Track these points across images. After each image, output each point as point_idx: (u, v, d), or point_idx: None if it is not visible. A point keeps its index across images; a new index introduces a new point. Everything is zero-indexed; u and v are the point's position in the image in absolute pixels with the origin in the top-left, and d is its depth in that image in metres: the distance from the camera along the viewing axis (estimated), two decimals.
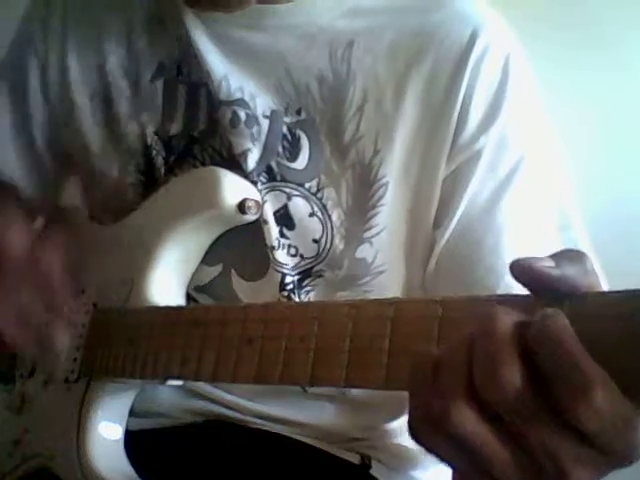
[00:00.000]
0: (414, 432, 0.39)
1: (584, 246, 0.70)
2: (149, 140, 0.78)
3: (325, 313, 0.49)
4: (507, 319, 0.37)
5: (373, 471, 0.78)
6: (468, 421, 0.37)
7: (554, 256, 0.40)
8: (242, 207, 0.69)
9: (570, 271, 0.38)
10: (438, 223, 0.72)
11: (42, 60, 0.85)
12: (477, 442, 0.37)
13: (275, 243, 0.72)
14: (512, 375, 0.35)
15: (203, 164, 0.76)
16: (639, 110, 1.11)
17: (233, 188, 0.70)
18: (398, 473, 0.79)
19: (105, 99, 0.81)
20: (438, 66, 0.71)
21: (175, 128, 0.78)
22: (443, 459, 0.39)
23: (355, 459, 0.78)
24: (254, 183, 0.72)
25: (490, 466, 0.37)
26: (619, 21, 1.09)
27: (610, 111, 1.11)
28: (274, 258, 0.72)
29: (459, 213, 0.70)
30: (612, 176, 1.10)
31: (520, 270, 0.39)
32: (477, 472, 0.38)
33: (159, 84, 0.79)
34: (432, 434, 0.38)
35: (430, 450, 0.39)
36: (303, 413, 0.77)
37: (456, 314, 0.43)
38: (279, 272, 0.72)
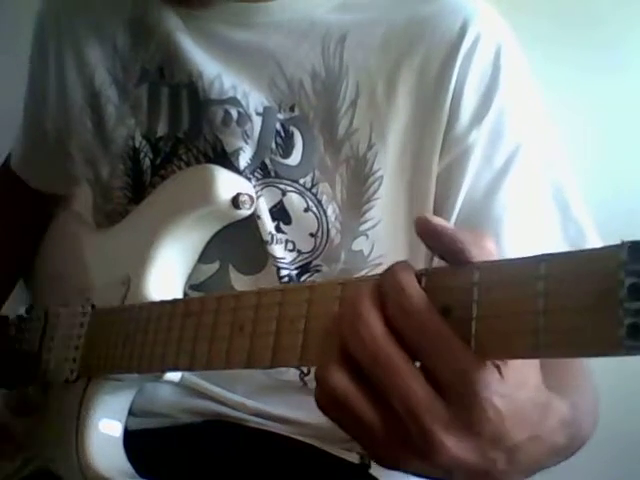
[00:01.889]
0: (317, 404, 0.43)
1: (586, 230, 0.70)
2: (137, 143, 0.80)
3: (315, 293, 0.49)
4: (368, 285, 0.42)
5: (373, 470, 0.77)
6: (339, 381, 0.40)
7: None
8: (236, 202, 0.70)
9: (463, 237, 0.41)
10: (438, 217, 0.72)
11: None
12: (348, 400, 0.40)
13: (268, 238, 0.73)
14: (369, 323, 0.40)
15: (188, 165, 0.77)
16: (639, 108, 1.11)
17: (226, 183, 0.71)
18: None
19: (94, 107, 0.83)
20: (429, 58, 0.72)
21: (161, 130, 0.79)
22: (341, 427, 0.43)
23: (354, 458, 0.77)
24: (248, 180, 0.73)
25: (366, 428, 0.40)
26: (620, 21, 1.10)
27: (610, 109, 1.11)
28: (270, 253, 0.73)
29: (458, 207, 0.70)
30: (612, 172, 1.10)
31: (420, 223, 0.43)
32: (363, 439, 0.42)
33: (144, 88, 0.81)
34: (322, 400, 0.42)
35: (332, 419, 0.43)
36: (302, 411, 0.76)
37: None
38: (275, 266, 0.73)
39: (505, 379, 0.39)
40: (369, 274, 0.73)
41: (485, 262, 0.41)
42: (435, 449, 0.39)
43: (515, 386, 0.40)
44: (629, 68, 1.12)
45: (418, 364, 0.40)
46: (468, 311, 0.40)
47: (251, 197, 0.71)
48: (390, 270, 0.42)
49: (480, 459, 0.40)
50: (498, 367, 0.39)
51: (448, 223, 0.43)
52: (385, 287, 0.41)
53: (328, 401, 0.42)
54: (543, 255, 0.38)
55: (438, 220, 0.42)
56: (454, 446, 0.39)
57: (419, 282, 0.42)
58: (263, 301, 0.54)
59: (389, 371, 0.39)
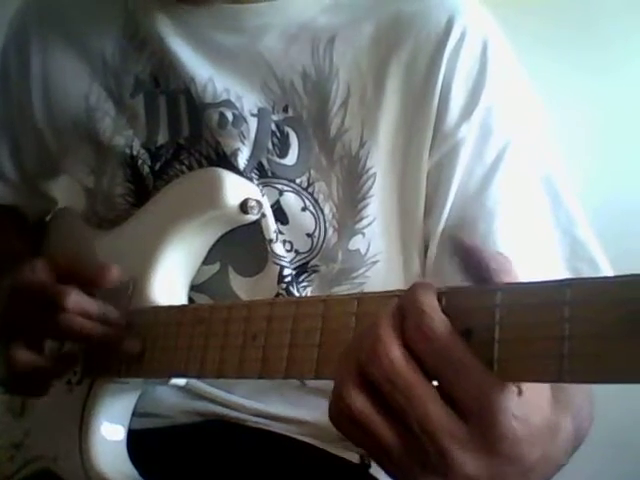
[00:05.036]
0: (331, 420, 0.43)
1: (578, 221, 0.70)
2: (134, 152, 0.79)
3: (330, 308, 0.50)
4: (389, 306, 0.42)
5: (373, 470, 0.78)
6: (357, 401, 0.41)
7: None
8: (244, 207, 0.69)
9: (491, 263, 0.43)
10: (430, 213, 0.72)
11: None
12: (366, 421, 0.41)
13: (273, 236, 0.73)
14: (388, 347, 0.40)
15: (190, 169, 0.77)
16: (637, 109, 1.12)
17: (235, 188, 0.71)
18: None
19: (91, 122, 0.82)
20: (416, 54, 0.72)
21: (162, 139, 0.79)
22: (357, 445, 0.43)
23: (354, 458, 0.78)
24: (249, 180, 0.73)
25: (383, 448, 0.41)
26: (616, 20, 1.10)
27: (608, 110, 1.11)
28: (272, 251, 0.73)
29: (450, 202, 0.70)
30: (610, 173, 1.11)
31: (457, 244, 0.42)
32: (380, 458, 0.42)
33: (139, 99, 0.80)
34: (338, 418, 0.42)
35: (346, 436, 0.43)
36: (302, 410, 0.77)
37: None
38: (277, 264, 0.73)
39: (523, 401, 0.40)
40: (365, 273, 0.74)
41: (507, 284, 0.41)
42: (452, 468, 0.39)
43: (532, 408, 0.40)
44: (626, 68, 1.12)
45: (435, 382, 0.41)
46: (490, 333, 0.40)
47: (259, 202, 0.71)
48: (411, 290, 0.42)
49: (495, 475, 0.41)
50: (519, 388, 0.40)
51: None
52: (405, 308, 0.42)
53: (344, 418, 0.42)
54: (568, 280, 0.38)
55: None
56: (470, 465, 0.39)
57: (439, 302, 0.42)
58: (276, 312, 0.54)
59: (407, 394, 0.40)
